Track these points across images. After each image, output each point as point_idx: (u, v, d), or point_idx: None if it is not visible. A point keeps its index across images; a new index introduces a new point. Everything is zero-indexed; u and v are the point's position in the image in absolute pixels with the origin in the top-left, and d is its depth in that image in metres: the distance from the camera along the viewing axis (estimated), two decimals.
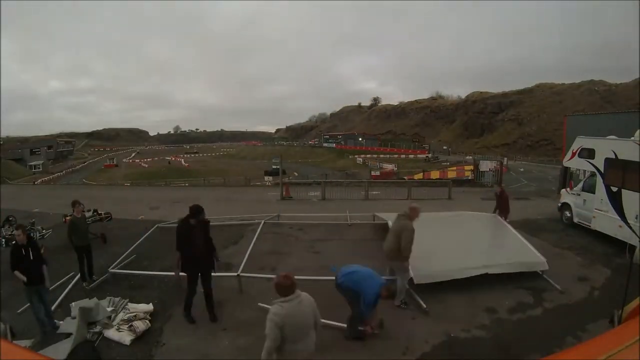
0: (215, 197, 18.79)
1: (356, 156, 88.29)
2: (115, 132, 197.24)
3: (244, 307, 8.09)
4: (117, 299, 8.12)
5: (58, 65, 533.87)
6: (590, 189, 13.43)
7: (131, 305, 7.86)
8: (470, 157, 50.92)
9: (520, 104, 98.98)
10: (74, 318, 7.21)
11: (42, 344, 6.69)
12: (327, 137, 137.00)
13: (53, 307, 7.88)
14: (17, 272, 6.91)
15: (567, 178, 15.89)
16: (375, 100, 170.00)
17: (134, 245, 10.98)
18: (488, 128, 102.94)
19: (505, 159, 51.65)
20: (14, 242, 7.52)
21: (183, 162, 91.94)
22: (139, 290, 8.82)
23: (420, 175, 36.77)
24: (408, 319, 7.62)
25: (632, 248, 9.84)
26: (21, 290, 7.24)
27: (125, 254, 10.50)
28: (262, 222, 11.19)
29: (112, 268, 9.67)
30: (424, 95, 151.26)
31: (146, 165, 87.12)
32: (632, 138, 11.99)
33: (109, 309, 7.62)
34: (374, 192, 23.20)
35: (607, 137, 13.33)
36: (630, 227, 11.31)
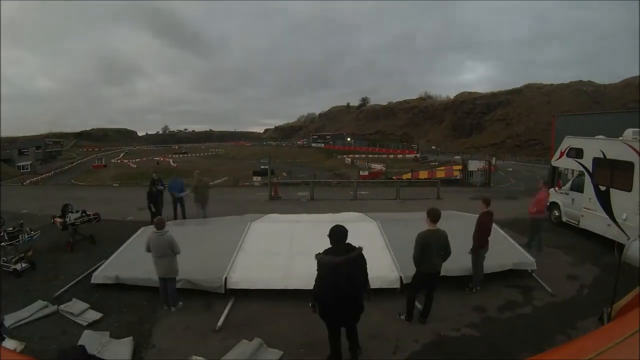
0: None
1: (345, 156, 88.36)
2: (104, 132, 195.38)
3: (232, 308, 8.07)
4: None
5: None
6: (578, 188, 13.53)
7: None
8: (459, 157, 51.19)
9: (509, 104, 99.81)
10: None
11: None
12: (316, 137, 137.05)
13: (42, 314, 7.84)
14: None
15: (555, 177, 15.99)
16: (364, 100, 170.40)
17: (119, 250, 10.65)
18: (477, 128, 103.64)
19: (494, 158, 51.91)
20: None
21: (172, 162, 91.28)
22: (127, 292, 8.75)
23: (408, 175, 36.83)
24: (398, 318, 7.64)
25: (621, 246, 9.96)
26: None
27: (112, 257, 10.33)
28: (249, 223, 11.11)
29: (94, 271, 9.46)
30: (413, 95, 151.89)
31: (134, 166, 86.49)
32: (620, 138, 12.12)
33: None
34: (363, 192, 23.22)
35: (596, 137, 13.45)
36: (618, 226, 11.43)
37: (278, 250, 9.72)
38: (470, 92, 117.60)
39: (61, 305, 8.03)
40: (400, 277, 8.45)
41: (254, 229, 10.78)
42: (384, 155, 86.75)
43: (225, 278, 8.58)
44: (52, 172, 71.24)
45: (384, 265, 8.92)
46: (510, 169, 49.85)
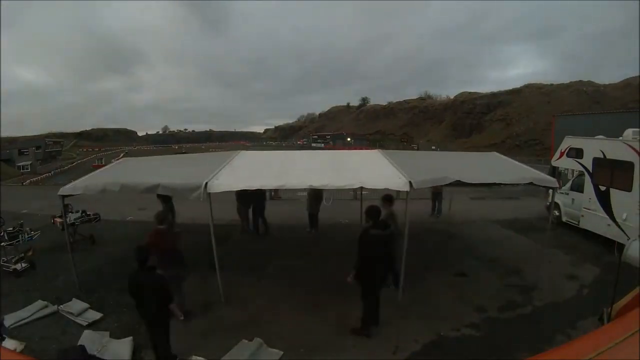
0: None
1: None
2: (104, 132, 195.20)
3: (232, 309, 8.06)
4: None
5: None
6: (578, 188, 13.52)
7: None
8: None
9: (509, 104, 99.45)
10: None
11: None
12: (316, 137, 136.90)
13: (42, 314, 7.84)
14: None
15: (555, 177, 16.00)
16: (364, 100, 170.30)
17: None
18: (476, 128, 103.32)
19: None
20: None
21: None
22: (127, 292, 8.75)
23: None
24: (398, 317, 7.62)
25: (621, 246, 9.95)
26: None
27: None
28: (239, 151, 11.02)
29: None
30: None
31: None
32: (620, 138, 12.12)
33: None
34: (364, 192, 23.13)
35: (596, 137, 13.44)
36: (618, 226, 11.42)
37: (271, 164, 9.65)
38: (470, 92, 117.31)
39: (61, 305, 8.04)
40: (410, 182, 7.75)
41: (243, 155, 10.64)
42: None
43: (206, 183, 7.69)
44: (52, 172, 71.05)
45: (391, 175, 8.43)
46: None
